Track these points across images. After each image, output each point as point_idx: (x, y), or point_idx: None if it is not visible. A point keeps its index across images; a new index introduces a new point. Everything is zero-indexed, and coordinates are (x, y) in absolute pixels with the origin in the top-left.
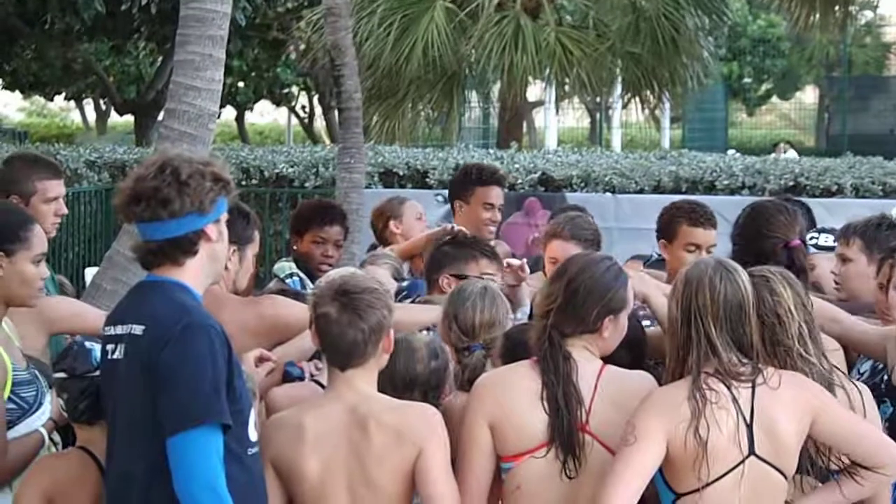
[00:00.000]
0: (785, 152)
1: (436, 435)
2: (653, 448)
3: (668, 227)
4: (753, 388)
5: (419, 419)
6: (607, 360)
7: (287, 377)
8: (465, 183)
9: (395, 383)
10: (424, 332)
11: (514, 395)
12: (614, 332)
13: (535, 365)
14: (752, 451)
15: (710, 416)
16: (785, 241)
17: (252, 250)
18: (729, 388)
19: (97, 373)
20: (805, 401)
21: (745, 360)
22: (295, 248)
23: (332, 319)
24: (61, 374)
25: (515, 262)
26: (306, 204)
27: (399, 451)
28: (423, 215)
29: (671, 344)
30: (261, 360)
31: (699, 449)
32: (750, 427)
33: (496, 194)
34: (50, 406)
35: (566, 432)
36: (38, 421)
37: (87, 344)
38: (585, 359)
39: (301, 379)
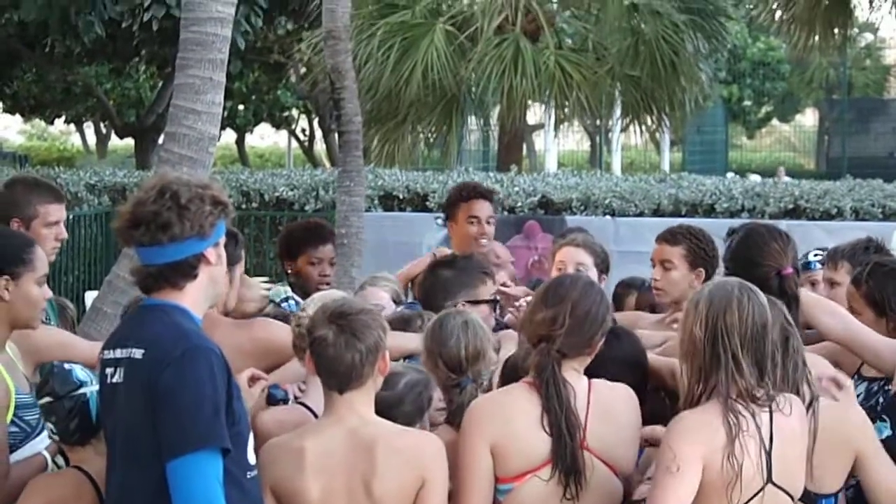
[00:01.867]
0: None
1: (441, 466)
2: (693, 474)
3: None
4: (771, 414)
5: (428, 447)
6: (615, 381)
7: (271, 399)
8: (450, 202)
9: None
10: (404, 361)
11: (513, 417)
12: (595, 352)
13: (529, 387)
14: (769, 479)
15: (742, 441)
16: (777, 269)
17: (240, 269)
18: (752, 414)
19: (81, 390)
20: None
21: (762, 384)
22: (289, 271)
23: (329, 342)
24: (46, 399)
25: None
26: (295, 226)
27: (406, 475)
28: None
29: (691, 364)
30: (253, 380)
31: (733, 474)
32: (769, 454)
33: (479, 207)
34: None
35: (570, 457)
36: (41, 444)
37: (66, 365)
38: (576, 378)
39: (285, 401)
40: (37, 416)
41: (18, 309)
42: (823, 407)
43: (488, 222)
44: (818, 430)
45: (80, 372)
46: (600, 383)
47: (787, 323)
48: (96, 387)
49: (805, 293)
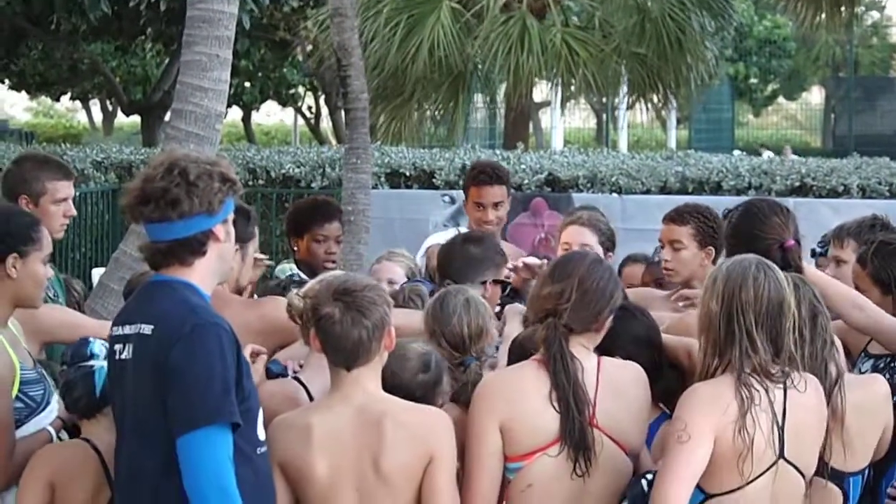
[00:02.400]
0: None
1: (449, 443)
2: (705, 446)
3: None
4: (785, 390)
5: (436, 423)
6: (628, 359)
7: (269, 374)
8: (464, 182)
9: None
10: (421, 343)
11: (523, 395)
12: (605, 329)
13: (538, 364)
14: (781, 454)
15: (754, 414)
16: (779, 242)
17: (253, 247)
18: (766, 389)
19: (90, 362)
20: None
21: (777, 361)
22: (295, 249)
23: (336, 320)
24: (61, 367)
25: (533, 261)
26: (300, 204)
27: (414, 450)
28: None
29: (706, 339)
30: (254, 356)
31: (745, 447)
32: (781, 430)
33: (484, 193)
34: (58, 405)
35: (578, 433)
36: (46, 419)
37: (92, 338)
38: (585, 355)
39: (283, 376)
40: (41, 392)
41: (24, 287)
42: (849, 383)
43: (495, 207)
44: (846, 407)
45: (97, 346)
46: (610, 361)
47: (816, 300)
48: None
49: (827, 279)
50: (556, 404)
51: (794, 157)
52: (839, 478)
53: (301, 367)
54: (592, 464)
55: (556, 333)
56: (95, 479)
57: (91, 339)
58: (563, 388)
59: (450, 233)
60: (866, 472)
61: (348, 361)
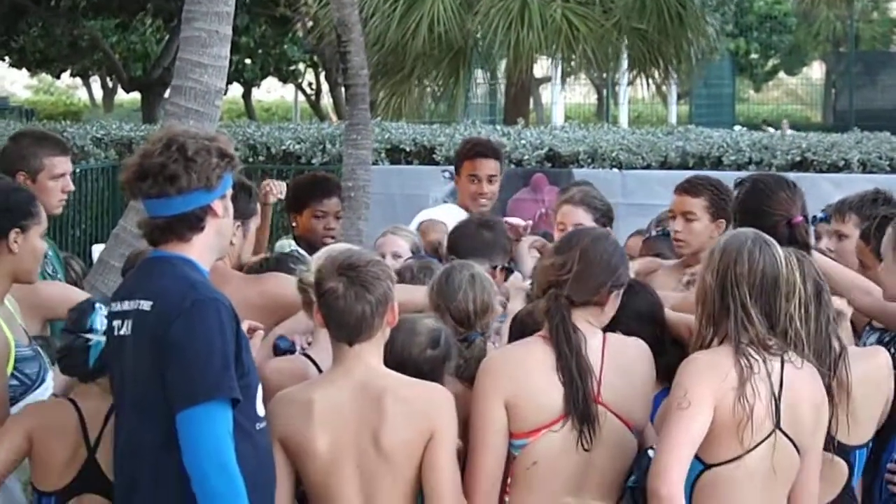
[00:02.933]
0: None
1: (450, 419)
2: (705, 413)
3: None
4: (782, 362)
5: (437, 399)
6: (633, 335)
7: (276, 350)
8: (456, 157)
9: (387, 362)
10: (432, 319)
11: (528, 371)
12: (612, 308)
13: (544, 340)
14: (777, 425)
15: (754, 383)
16: (787, 219)
17: (254, 223)
18: (764, 360)
19: (88, 335)
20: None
21: (773, 334)
22: (294, 225)
23: (339, 294)
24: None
25: (516, 221)
26: (300, 180)
27: (414, 426)
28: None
29: (702, 311)
30: (251, 332)
31: (745, 415)
32: (778, 400)
33: (480, 166)
34: (53, 382)
35: (582, 403)
36: (41, 396)
37: (98, 305)
38: (590, 331)
39: (291, 352)
40: (36, 369)
41: (24, 261)
42: (852, 356)
43: (490, 181)
44: (851, 381)
45: (99, 319)
46: (615, 337)
47: (819, 277)
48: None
49: (833, 264)
50: (560, 374)
51: (792, 131)
52: (845, 451)
53: (309, 343)
54: (597, 436)
55: (557, 305)
56: (73, 438)
57: (98, 306)
58: (566, 358)
59: (443, 208)
60: (870, 444)
61: (351, 336)
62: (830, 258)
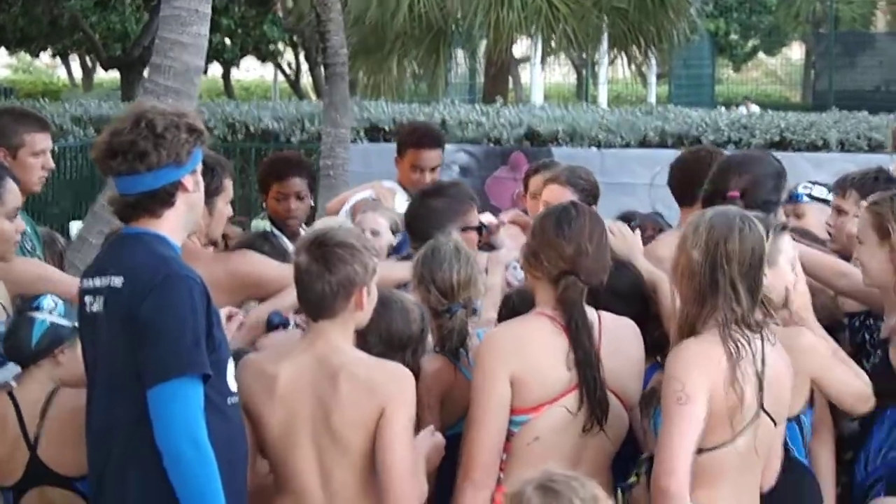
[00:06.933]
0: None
1: (403, 396)
2: (702, 404)
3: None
4: (762, 341)
5: (390, 377)
6: (617, 312)
7: (270, 324)
8: (399, 140)
9: (392, 342)
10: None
11: (534, 348)
12: None
13: (547, 319)
14: (761, 405)
15: (743, 368)
16: (722, 193)
17: (223, 200)
18: (748, 341)
19: (35, 314)
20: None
21: (754, 311)
22: (264, 206)
23: (303, 269)
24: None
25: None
26: (265, 160)
27: (365, 404)
28: None
29: (688, 290)
30: (229, 318)
31: (737, 401)
32: (762, 381)
33: (424, 157)
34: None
35: (598, 395)
36: (9, 374)
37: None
38: (589, 313)
39: (285, 326)
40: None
41: None
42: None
43: (432, 171)
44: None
45: (47, 300)
46: (609, 317)
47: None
48: (52, 318)
49: (808, 249)
50: (569, 363)
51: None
52: None
53: (305, 320)
54: (606, 421)
55: (576, 294)
56: (12, 434)
57: (35, 319)
58: (585, 350)
59: (371, 192)
60: (801, 418)
61: (313, 312)
62: (829, 233)
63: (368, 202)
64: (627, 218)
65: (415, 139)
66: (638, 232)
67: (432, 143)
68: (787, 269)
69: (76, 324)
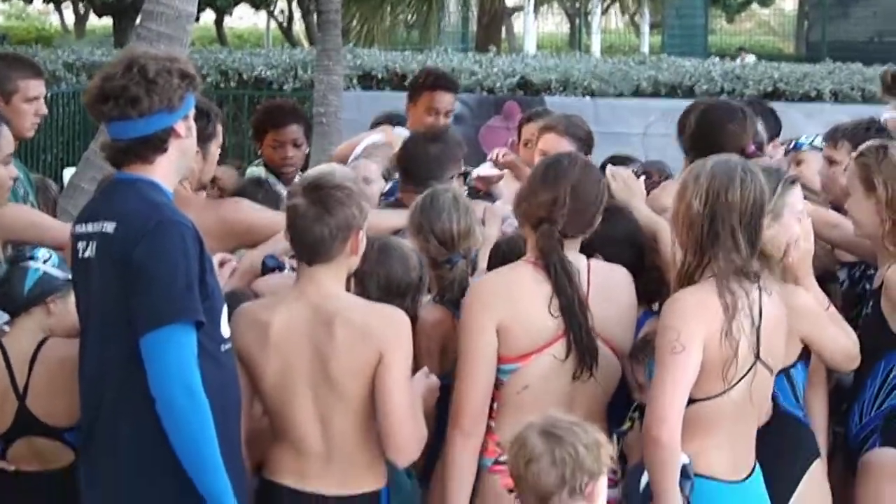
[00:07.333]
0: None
1: (401, 342)
2: (697, 353)
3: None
4: (760, 291)
5: (387, 322)
6: (611, 259)
7: (265, 268)
8: (413, 85)
9: (391, 289)
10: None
11: (521, 296)
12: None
13: (533, 266)
14: (758, 356)
15: (738, 318)
16: (740, 149)
17: (215, 145)
18: (746, 292)
19: (28, 263)
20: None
21: (753, 261)
22: (259, 153)
23: (300, 213)
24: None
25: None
26: (260, 107)
27: (362, 350)
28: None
29: (687, 239)
30: (221, 264)
31: (731, 353)
32: (758, 330)
33: (440, 99)
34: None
35: (585, 338)
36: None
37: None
38: (576, 258)
39: (280, 269)
40: None
41: None
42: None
43: (447, 115)
44: None
45: (41, 251)
46: (598, 264)
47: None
48: (46, 267)
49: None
50: (555, 310)
51: (752, 57)
52: None
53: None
54: (596, 367)
55: (551, 241)
56: (1, 384)
57: (29, 268)
58: (568, 296)
59: (381, 136)
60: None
61: (309, 256)
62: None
63: (379, 147)
64: (617, 161)
65: (431, 81)
66: (642, 178)
67: (448, 85)
68: (791, 224)
69: (70, 276)
